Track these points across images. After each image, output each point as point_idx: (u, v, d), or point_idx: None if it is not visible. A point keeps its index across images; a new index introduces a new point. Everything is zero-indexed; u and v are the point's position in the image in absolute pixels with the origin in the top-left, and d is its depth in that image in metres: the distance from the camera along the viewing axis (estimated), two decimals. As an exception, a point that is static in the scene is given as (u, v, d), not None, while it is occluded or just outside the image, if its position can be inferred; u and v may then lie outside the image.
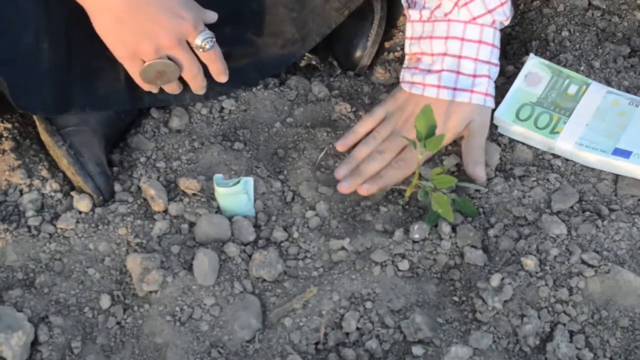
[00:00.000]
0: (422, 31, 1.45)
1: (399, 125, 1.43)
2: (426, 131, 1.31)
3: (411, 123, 1.40)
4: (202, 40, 1.35)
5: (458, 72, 1.41)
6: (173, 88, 1.42)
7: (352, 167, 1.42)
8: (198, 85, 1.42)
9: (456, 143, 1.46)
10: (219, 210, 1.37)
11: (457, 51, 1.42)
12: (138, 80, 1.37)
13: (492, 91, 1.44)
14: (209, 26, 1.37)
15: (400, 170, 1.40)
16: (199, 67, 1.38)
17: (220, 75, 1.42)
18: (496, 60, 1.45)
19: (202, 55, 1.37)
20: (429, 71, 1.43)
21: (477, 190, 1.41)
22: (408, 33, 1.47)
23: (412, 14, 1.46)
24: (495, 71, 1.45)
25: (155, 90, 1.41)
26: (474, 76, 1.42)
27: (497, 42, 1.44)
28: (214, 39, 1.36)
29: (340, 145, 1.45)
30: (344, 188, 1.39)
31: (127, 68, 1.36)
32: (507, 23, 1.45)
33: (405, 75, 1.46)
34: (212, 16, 1.37)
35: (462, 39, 1.41)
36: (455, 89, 1.41)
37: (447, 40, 1.42)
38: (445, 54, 1.42)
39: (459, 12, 1.41)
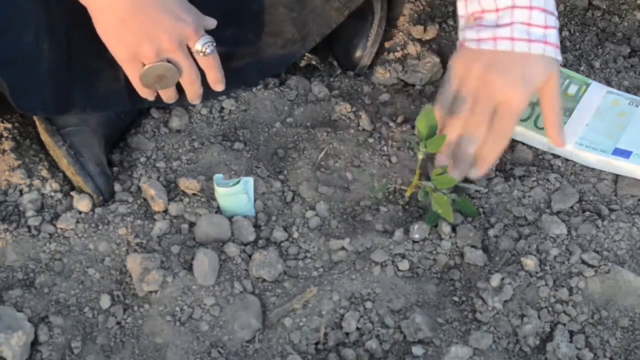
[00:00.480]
0: None
1: (482, 93, 1.37)
2: (427, 131, 1.31)
3: (494, 86, 1.35)
4: (203, 44, 1.34)
5: (529, 24, 1.36)
6: (170, 94, 1.41)
7: (448, 153, 1.38)
8: (195, 93, 1.41)
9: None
10: (219, 210, 1.37)
11: (527, 2, 1.36)
12: (137, 84, 1.37)
13: (558, 42, 1.38)
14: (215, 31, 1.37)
15: (499, 143, 1.37)
16: (198, 73, 1.38)
17: (218, 83, 1.41)
18: (556, 13, 1.39)
19: (201, 61, 1.37)
20: (497, 26, 1.37)
21: (477, 191, 1.41)
22: None
23: None
24: (557, 24, 1.39)
25: (151, 97, 1.40)
26: (545, 27, 1.36)
27: None
28: (214, 44, 1.36)
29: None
30: (457, 177, 1.36)
31: (126, 71, 1.35)
32: None
33: (467, 34, 1.39)
34: (212, 22, 1.37)
35: None
36: (529, 40, 1.36)
37: None
38: (513, 7, 1.36)
39: None
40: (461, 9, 1.41)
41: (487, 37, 1.37)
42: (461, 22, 1.42)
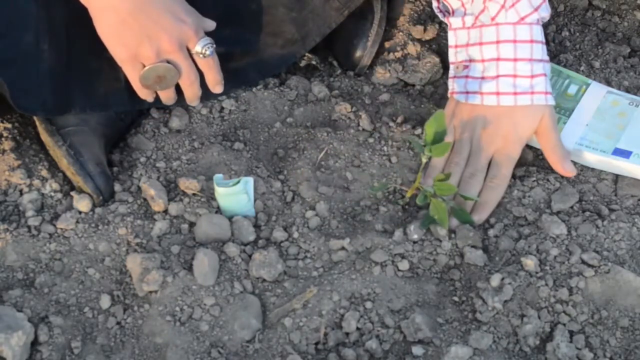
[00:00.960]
0: (468, 38, 1.43)
1: (475, 144, 1.41)
2: (434, 136, 1.31)
3: (486, 138, 1.40)
4: (203, 46, 1.34)
5: (515, 76, 1.39)
6: (169, 95, 1.41)
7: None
8: (193, 94, 1.41)
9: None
10: (219, 210, 1.37)
11: (512, 54, 1.39)
12: (136, 85, 1.37)
13: (549, 88, 1.41)
14: (214, 33, 1.37)
15: (497, 189, 1.39)
16: (197, 75, 1.38)
17: (216, 85, 1.41)
18: (547, 57, 1.42)
19: (200, 62, 1.37)
20: (483, 78, 1.41)
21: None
22: (452, 41, 1.45)
23: (454, 21, 1.43)
24: (548, 68, 1.42)
25: (150, 98, 1.40)
26: (532, 77, 1.39)
27: (544, 38, 1.42)
28: (214, 46, 1.36)
29: None
30: (453, 225, 1.36)
31: (126, 71, 1.35)
32: (547, 19, 1.43)
33: (455, 85, 1.44)
34: (211, 24, 1.37)
35: (515, 41, 1.39)
36: (515, 93, 1.39)
37: (499, 45, 1.39)
38: (498, 59, 1.40)
39: (507, 15, 1.39)
40: (451, 56, 1.45)
41: (474, 90, 1.41)
42: (451, 68, 1.46)
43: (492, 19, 1.40)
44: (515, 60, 1.39)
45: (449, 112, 1.45)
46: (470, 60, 1.43)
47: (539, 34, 1.40)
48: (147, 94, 1.39)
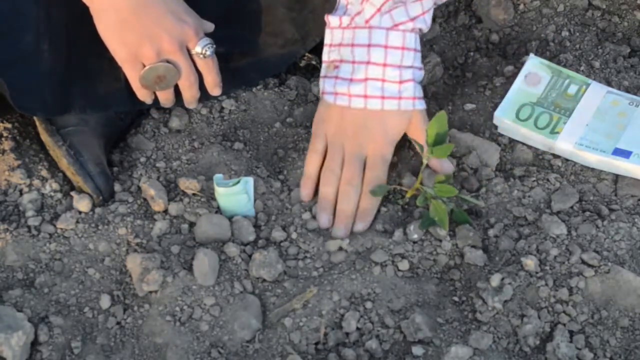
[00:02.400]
0: (342, 38, 1.41)
1: (348, 149, 1.40)
2: (435, 138, 1.31)
3: (358, 142, 1.38)
4: (203, 46, 1.34)
5: (383, 80, 1.39)
6: (168, 97, 1.40)
7: (329, 210, 1.38)
8: (192, 96, 1.40)
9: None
10: (219, 210, 1.37)
11: (381, 59, 1.38)
12: (136, 85, 1.36)
13: (419, 93, 1.41)
14: (212, 34, 1.37)
15: (377, 179, 1.38)
16: (196, 76, 1.38)
17: (215, 87, 1.41)
18: (419, 64, 1.42)
19: (200, 63, 1.37)
20: (351, 80, 1.40)
21: (476, 190, 1.41)
22: (327, 40, 1.43)
23: (332, 20, 1.42)
24: (419, 75, 1.42)
25: (149, 99, 1.39)
26: (400, 82, 1.39)
27: (419, 47, 1.42)
28: (214, 46, 1.36)
29: (307, 196, 1.40)
30: (342, 235, 1.36)
31: (126, 71, 1.35)
32: (426, 31, 1.42)
33: (325, 85, 1.42)
34: (210, 26, 1.37)
35: (386, 47, 1.38)
36: (383, 97, 1.39)
37: (370, 48, 1.39)
38: (368, 62, 1.39)
39: (381, 19, 1.38)
40: (324, 55, 1.44)
41: (342, 92, 1.40)
42: (323, 66, 1.44)
43: (367, 21, 1.39)
44: (384, 65, 1.38)
45: (319, 117, 1.43)
46: (341, 61, 1.41)
47: (412, 41, 1.40)
48: (146, 95, 1.39)
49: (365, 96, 1.39)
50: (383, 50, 1.38)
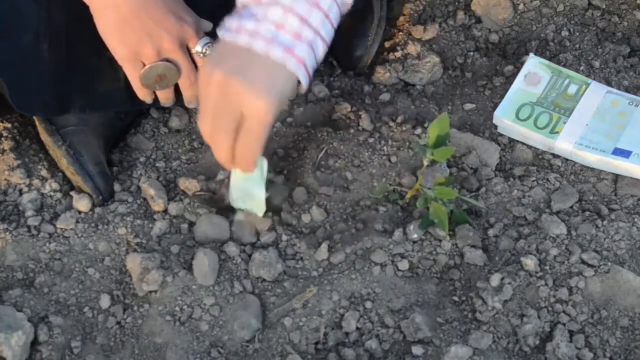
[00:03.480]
0: None
1: (218, 102, 1.20)
2: (436, 140, 1.30)
3: (229, 93, 1.18)
4: (203, 45, 1.34)
5: (280, 26, 1.18)
6: (168, 96, 1.40)
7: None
8: (192, 95, 1.40)
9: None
10: (219, 211, 1.37)
11: (289, 1, 1.17)
12: (136, 84, 1.36)
13: (310, 66, 1.20)
14: (210, 32, 1.37)
15: (248, 154, 1.23)
16: (197, 76, 1.37)
17: None
18: (328, 38, 1.22)
19: (200, 63, 1.36)
20: (250, 16, 1.19)
21: (476, 190, 1.41)
22: None
23: None
24: (322, 50, 1.22)
25: (149, 99, 1.39)
26: (296, 36, 1.18)
27: (334, 20, 1.22)
28: (214, 46, 1.35)
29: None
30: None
31: (126, 71, 1.35)
32: (350, 4, 1.24)
33: (225, 22, 1.21)
34: (208, 25, 1.37)
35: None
36: (272, 41, 1.17)
37: None
38: (277, 3, 1.17)
39: None
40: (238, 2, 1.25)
41: (231, 26, 1.20)
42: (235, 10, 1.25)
43: None
44: (292, 10, 1.17)
45: (206, 61, 1.24)
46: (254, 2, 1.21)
47: (327, 5, 1.19)
48: (146, 95, 1.38)
49: (255, 34, 1.18)
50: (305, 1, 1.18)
